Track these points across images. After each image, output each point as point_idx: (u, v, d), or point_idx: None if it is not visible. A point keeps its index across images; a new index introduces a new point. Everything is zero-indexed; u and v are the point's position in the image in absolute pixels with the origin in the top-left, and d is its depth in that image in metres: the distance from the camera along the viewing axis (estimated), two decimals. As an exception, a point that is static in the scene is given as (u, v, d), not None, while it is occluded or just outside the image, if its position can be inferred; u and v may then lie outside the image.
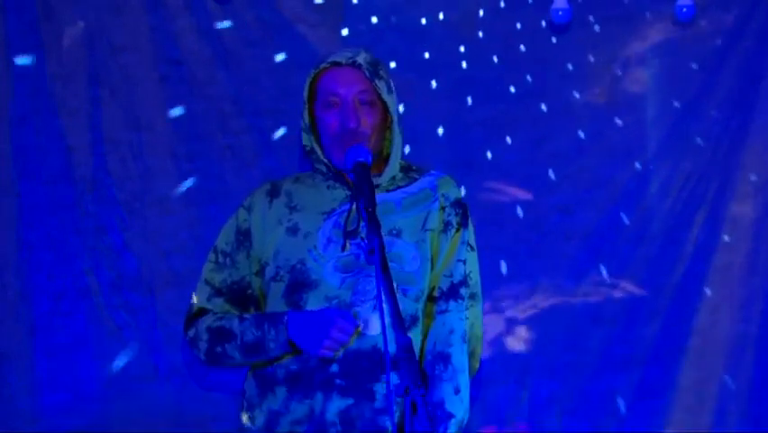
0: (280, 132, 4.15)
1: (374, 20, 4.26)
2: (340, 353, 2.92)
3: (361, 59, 3.03)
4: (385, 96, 3.02)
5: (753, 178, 4.25)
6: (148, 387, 4.03)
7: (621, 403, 4.18)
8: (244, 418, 3.04)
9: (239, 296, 3.10)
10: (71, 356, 4.00)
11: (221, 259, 3.10)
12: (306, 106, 3.08)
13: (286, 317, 2.95)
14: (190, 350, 3.13)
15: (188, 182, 4.11)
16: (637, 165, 4.27)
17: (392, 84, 3.08)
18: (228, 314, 3.07)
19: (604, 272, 4.23)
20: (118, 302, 4.03)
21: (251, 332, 2.98)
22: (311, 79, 3.07)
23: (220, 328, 3.03)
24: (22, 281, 4.00)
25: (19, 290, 3.99)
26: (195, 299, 3.12)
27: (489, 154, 4.25)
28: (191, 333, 3.09)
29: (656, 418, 4.18)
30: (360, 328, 2.93)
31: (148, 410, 4.02)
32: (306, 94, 3.08)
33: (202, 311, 3.10)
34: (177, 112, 4.10)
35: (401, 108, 3.19)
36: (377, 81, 3.01)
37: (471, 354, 3.07)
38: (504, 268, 4.20)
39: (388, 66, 3.14)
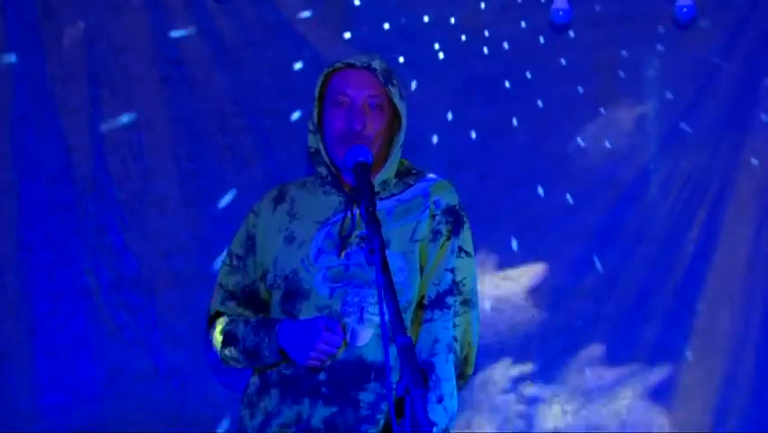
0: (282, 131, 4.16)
1: (374, 20, 4.26)
2: (328, 362, 2.93)
3: (377, 63, 3.03)
4: (397, 100, 3.02)
5: (753, 178, 4.25)
6: (148, 387, 4.03)
7: (621, 403, 4.18)
8: (245, 414, 3.05)
9: (251, 299, 3.12)
10: (71, 356, 4.00)
11: (234, 262, 3.13)
12: (316, 105, 3.08)
13: (278, 326, 2.97)
14: (211, 356, 3.15)
15: (189, 182, 4.12)
16: (637, 165, 4.27)
17: (403, 92, 3.08)
18: (239, 317, 3.09)
19: (604, 272, 4.22)
20: (118, 302, 4.04)
21: (250, 338, 3.02)
22: (323, 79, 3.07)
23: (229, 332, 3.08)
24: (22, 281, 4.00)
25: (19, 290, 3.99)
26: (211, 303, 3.14)
27: (488, 154, 4.25)
28: (210, 335, 3.12)
29: (656, 418, 4.18)
30: (347, 340, 2.94)
31: (148, 410, 4.03)
32: (317, 93, 3.08)
33: (218, 314, 3.12)
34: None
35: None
36: (390, 87, 3.01)
37: (465, 361, 3.06)
38: (504, 267, 4.20)
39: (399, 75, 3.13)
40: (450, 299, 3.02)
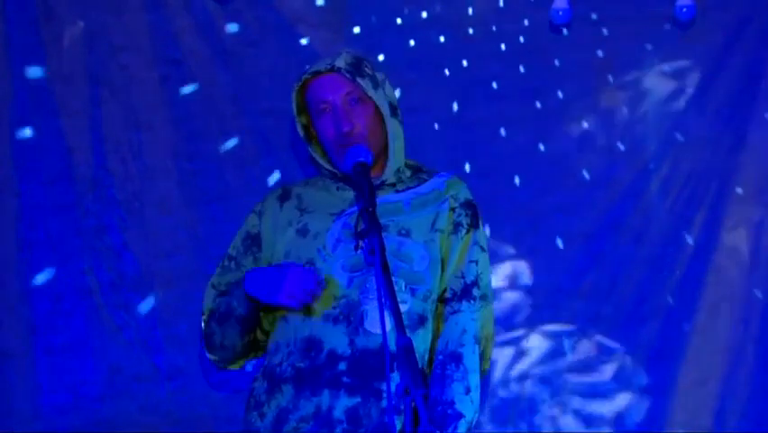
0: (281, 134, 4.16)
1: (374, 19, 4.26)
2: (314, 301, 2.92)
3: (341, 62, 3.03)
4: (371, 92, 3.02)
5: (753, 178, 4.25)
6: (148, 387, 4.03)
7: (621, 403, 4.18)
8: (253, 416, 3.03)
9: None
10: (71, 356, 4.01)
11: (227, 263, 3.13)
12: (298, 119, 3.10)
13: (245, 273, 2.98)
14: (207, 357, 3.15)
15: (189, 182, 4.12)
16: (637, 165, 4.27)
17: (380, 77, 3.07)
18: None
19: (604, 272, 4.22)
20: (118, 302, 4.04)
21: (222, 301, 3.02)
22: (296, 92, 3.08)
23: (209, 312, 3.08)
24: (22, 281, 4.00)
25: (19, 290, 3.99)
26: (204, 305, 3.14)
27: (488, 154, 4.25)
28: (206, 332, 3.11)
29: (656, 418, 4.18)
30: (323, 285, 2.94)
31: (148, 410, 4.03)
32: (294, 107, 3.10)
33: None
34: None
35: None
36: (359, 80, 3.01)
37: (482, 355, 3.07)
38: (504, 268, 4.20)
39: (373, 60, 3.14)
40: (475, 291, 3.05)
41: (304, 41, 4.21)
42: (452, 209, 3.09)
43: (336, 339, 2.95)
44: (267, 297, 2.93)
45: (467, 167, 4.22)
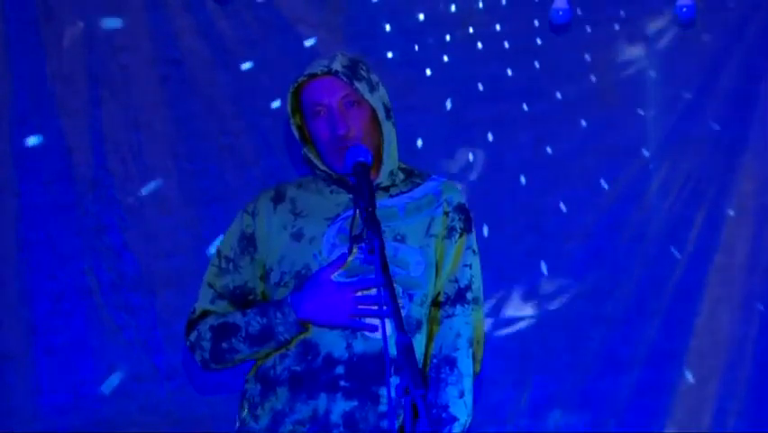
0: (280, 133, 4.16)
1: (374, 19, 4.26)
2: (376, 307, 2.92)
3: (337, 64, 3.01)
4: (367, 96, 3.01)
5: (753, 178, 4.25)
6: (148, 387, 4.03)
7: (621, 403, 4.19)
8: (247, 417, 3.03)
9: (241, 301, 3.09)
10: (71, 356, 4.01)
11: (224, 264, 3.10)
12: (292, 120, 3.09)
13: (289, 299, 2.96)
14: (191, 355, 3.11)
15: (189, 182, 4.12)
16: (637, 165, 4.27)
17: (375, 79, 3.06)
18: (230, 312, 3.07)
19: (604, 272, 4.23)
20: (118, 302, 4.04)
21: (255, 321, 2.98)
22: (291, 94, 3.07)
23: (223, 324, 3.02)
24: (22, 281, 4.00)
25: (19, 290, 3.99)
26: (197, 303, 3.11)
27: (488, 154, 4.25)
28: (193, 336, 3.07)
29: (656, 418, 4.19)
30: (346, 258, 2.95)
31: (148, 410, 4.03)
32: (289, 108, 3.08)
33: (204, 314, 3.09)
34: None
35: (399, 103, 3.18)
36: (356, 83, 3.00)
37: (474, 358, 3.08)
38: (504, 268, 4.21)
39: (373, 59, 3.13)
40: (468, 295, 3.05)
41: (304, 41, 4.21)
42: (446, 213, 3.08)
43: (333, 343, 2.94)
44: (328, 320, 2.95)
45: (466, 167, 4.22)
